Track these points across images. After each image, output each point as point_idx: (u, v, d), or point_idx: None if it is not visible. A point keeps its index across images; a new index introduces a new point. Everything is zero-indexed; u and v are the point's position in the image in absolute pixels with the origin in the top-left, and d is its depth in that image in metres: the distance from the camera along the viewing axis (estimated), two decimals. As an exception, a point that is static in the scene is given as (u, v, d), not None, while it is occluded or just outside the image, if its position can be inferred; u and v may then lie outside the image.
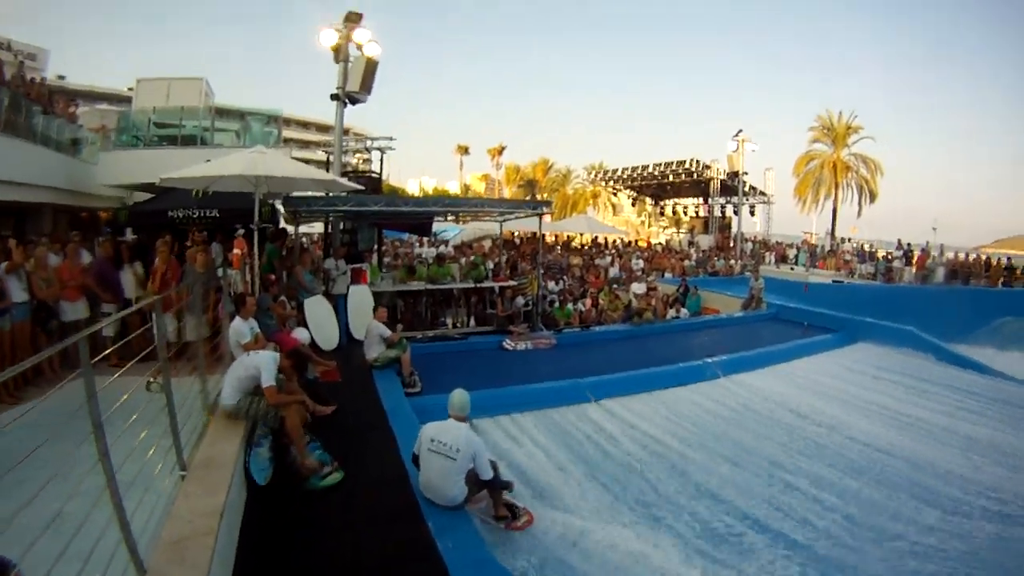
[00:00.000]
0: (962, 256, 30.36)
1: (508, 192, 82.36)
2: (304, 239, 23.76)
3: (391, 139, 20.91)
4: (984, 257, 29.85)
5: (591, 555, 6.50)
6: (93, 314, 10.59)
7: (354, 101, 16.43)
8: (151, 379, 5.45)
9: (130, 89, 50.39)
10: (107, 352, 4.45)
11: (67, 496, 3.39)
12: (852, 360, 16.37)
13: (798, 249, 36.91)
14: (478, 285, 16.64)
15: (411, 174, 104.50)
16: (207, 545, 4.31)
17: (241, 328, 8.01)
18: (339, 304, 13.34)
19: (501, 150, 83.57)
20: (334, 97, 16.17)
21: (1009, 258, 29.73)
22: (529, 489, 8.07)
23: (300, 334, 10.06)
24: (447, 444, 6.18)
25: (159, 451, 5.20)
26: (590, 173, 59.69)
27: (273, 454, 6.63)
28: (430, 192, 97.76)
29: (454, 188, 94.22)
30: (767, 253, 37.25)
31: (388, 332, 11.31)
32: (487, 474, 6.31)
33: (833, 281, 28.27)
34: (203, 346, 7.25)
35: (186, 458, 5.58)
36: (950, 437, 11.26)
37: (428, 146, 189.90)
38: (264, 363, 6.75)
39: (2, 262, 9.39)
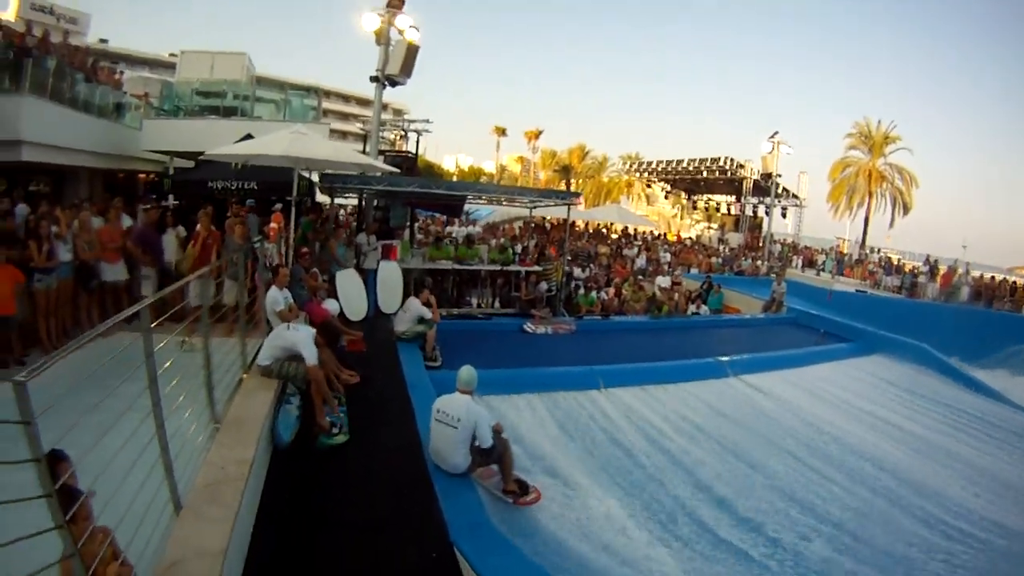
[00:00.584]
0: (988, 277, 29.92)
1: (543, 176, 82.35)
2: (340, 211, 24.26)
3: (428, 121, 21.35)
4: (1012, 280, 29.42)
5: (586, 533, 6.98)
6: (132, 276, 11.22)
7: (394, 83, 16.77)
8: (185, 339, 5.98)
9: (171, 55, 51.27)
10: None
11: (117, 440, 3.83)
12: (864, 371, 16.48)
13: (826, 255, 36.87)
14: (504, 268, 17.01)
15: (448, 150, 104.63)
16: (237, 489, 4.84)
17: (276, 296, 8.51)
18: (369, 278, 13.71)
19: (538, 134, 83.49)
20: (374, 79, 16.54)
21: None
22: (537, 468, 8.45)
23: (330, 305, 10.56)
24: (450, 415, 6.76)
25: (196, 405, 5.75)
26: (625, 163, 59.84)
27: (300, 412, 7.19)
28: (466, 170, 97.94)
29: (490, 168, 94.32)
30: (795, 257, 37.25)
31: (429, 313, 11.80)
32: (487, 442, 6.78)
33: (857, 291, 28.29)
34: (242, 310, 7.78)
35: (219, 412, 6.14)
36: (951, 460, 11.44)
37: (467, 124, 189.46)
38: (305, 343, 7.30)
39: (48, 224, 9.99)
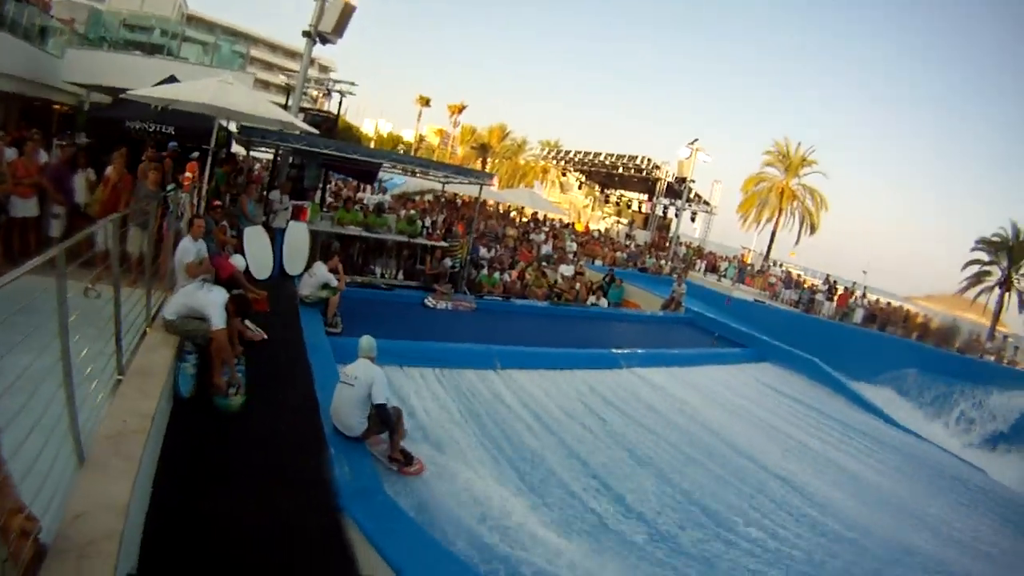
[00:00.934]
0: (884, 302, 31.31)
1: (461, 151, 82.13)
2: (255, 164, 23.99)
3: (353, 84, 21.40)
4: (905, 308, 30.74)
5: (470, 505, 7.30)
6: (42, 213, 10.99)
7: (324, 41, 16.77)
8: (89, 285, 6.02)
9: (104, -19, 49.19)
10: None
11: (21, 387, 3.89)
12: (753, 377, 17.27)
13: (729, 262, 37.84)
14: (411, 240, 17.13)
15: (370, 114, 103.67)
16: (139, 442, 4.92)
17: (188, 247, 8.47)
18: (277, 237, 13.68)
19: (461, 108, 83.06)
20: (306, 34, 16.47)
21: (927, 315, 30.50)
22: (426, 442, 8.76)
23: (237, 261, 10.55)
24: (349, 375, 7.18)
25: (99, 355, 5.80)
26: (544, 149, 60.25)
27: (197, 370, 7.20)
28: (384, 136, 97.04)
29: (409, 136, 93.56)
30: (699, 260, 38.15)
31: (334, 280, 11.92)
32: (379, 399, 7.06)
33: (755, 300, 29.13)
34: (148, 260, 7.76)
35: (124, 364, 6.16)
36: (827, 466, 12.26)
37: (391, 90, 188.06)
38: (214, 306, 7.28)
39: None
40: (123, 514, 4.09)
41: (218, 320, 7.20)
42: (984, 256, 36.26)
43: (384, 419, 7.20)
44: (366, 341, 7.59)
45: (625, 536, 8.03)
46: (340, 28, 16.56)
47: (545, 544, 7.02)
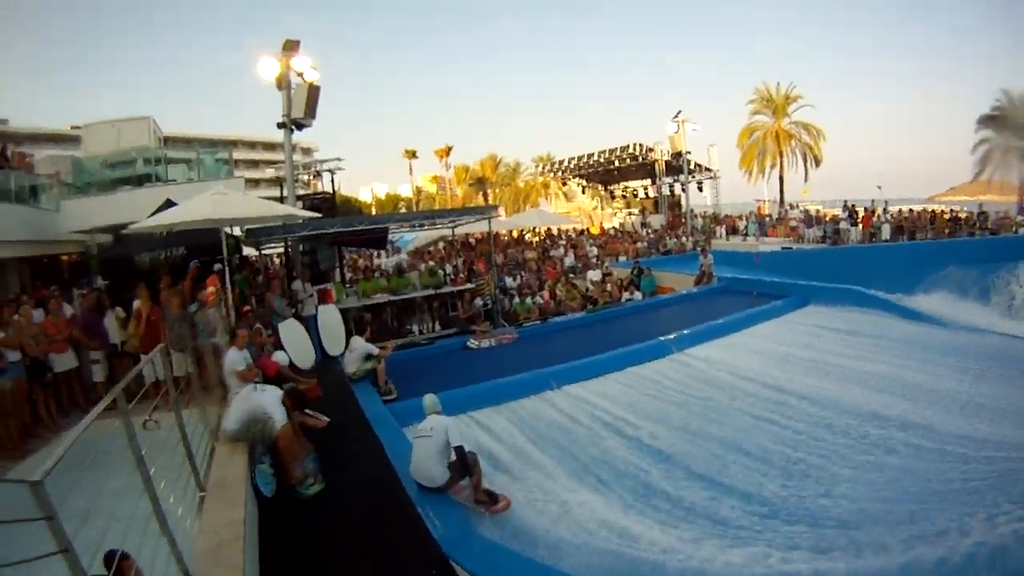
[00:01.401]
0: (907, 210, 30.78)
1: (460, 191, 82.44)
2: (268, 260, 24.30)
3: (339, 159, 21.56)
4: (929, 210, 30.22)
5: (557, 521, 7.46)
6: (81, 362, 11.32)
7: (300, 126, 17.09)
8: (147, 418, 6.23)
9: (74, 128, 50.22)
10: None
11: (114, 523, 4.05)
12: (801, 323, 17.17)
13: (747, 220, 37.56)
14: (438, 291, 17.34)
15: (363, 181, 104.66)
16: (238, 549, 5.09)
17: (236, 357, 8.73)
18: (310, 324, 13.95)
19: (448, 150, 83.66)
20: (280, 125, 16.81)
21: (953, 209, 30.04)
22: (506, 475, 8.88)
23: (279, 357, 10.82)
24: (423, 428, 7.46)
25: (176, 480, 6.00)
26: (538, 165, 60.40)
27: (274, 469, 7.42)
28: (383, 198, 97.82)
29: (406, 192, 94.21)
30: (717, 227, 37.79)
31: (376, 349, 12.14)
32: (456, 441, 7.25)
33: (782, 248, 28.74)
34: (196, 380, 7.99)
35: (202, 480, 6.37)
36: (905, 388, 11.88)
37: (377, 153, 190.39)
38: (272, 405, 7.55)
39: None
40: (240, 615, 4.22)
41: (280, 416, 7.41)
42: (990, 133, 35.85)
43: (463, 462, 7.31)
44: (429, 399, 7.88)
45: (728, 517, 7.97)
46: (311, 109, 16.88)
47: (651, 540, 7.07)
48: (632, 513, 7.85)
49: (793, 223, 34.13)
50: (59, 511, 2.91)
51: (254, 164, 65.05)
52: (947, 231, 26.94)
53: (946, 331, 15.57)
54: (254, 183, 41.14)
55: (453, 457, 7.24)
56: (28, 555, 2.89)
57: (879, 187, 36.52)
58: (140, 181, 22.23)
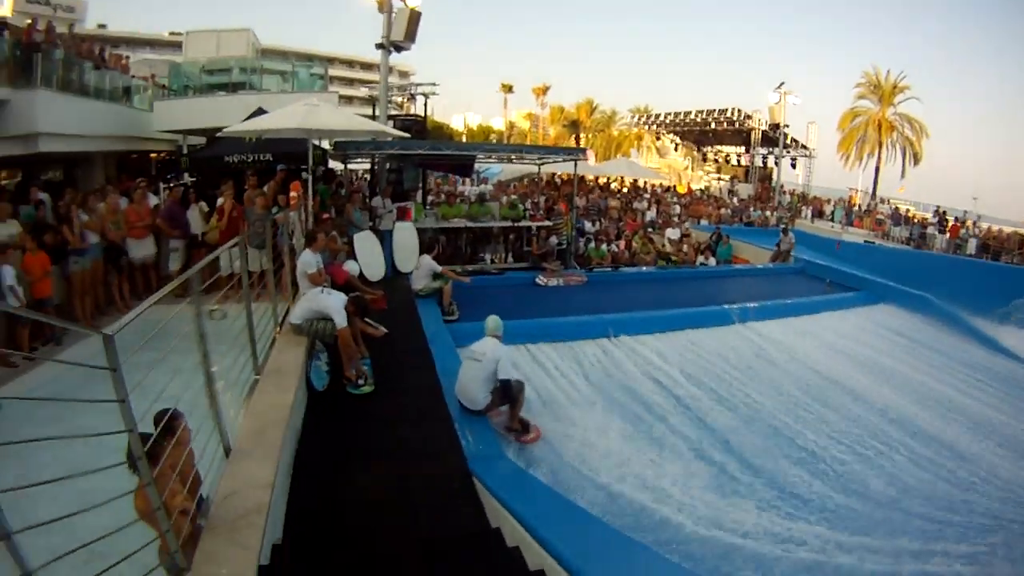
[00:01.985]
0: (997, 230, 29.84)
1: (552, 131, 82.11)
2: (353, 176, 24.74)
3: (435, 84, 21.87)
4: (1020, 234, 28.97)
5: (586, 461, 7.68)
6: (160, 249, 11.88)
7: (399, 49, 17.25)
8: (214, 308, 6.59)
9: (172, 34, 51.30)
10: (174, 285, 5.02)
11: (172, 394, 4.35)
12: (870, 321, 16.75)
13: (835, 205, 36.83)
14: (515, 224, 17.47)
15: (457, 110, 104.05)
16: (280, 431, 5.45)
17: (309, 259, 9.02)
18: (385, 239, 14.26)
19: (546, 89, 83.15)
20: (379, 46, 17.00)
21: None
22: (546, 409, 9.17)
23: (350, 266, 11.17)
24: (476, 351, 7.59)
25: (235, 363, 6.36)
26: (634, 116, 59.95)
27: (329, 366, 7.86)
28: (474, 128, 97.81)
29: (499, 125, 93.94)
30: (804, 207, 37.26)
31: (439, 268, 12.41)
32: (504, 374, 7.45)
33: (865, 242, 28.27)
34: (270, 275, 8.35)
35: (259, 365, 6.77)
36: (952, 410, 11.64)
37: (474, 82, 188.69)
38: (336, 309, 7.88)
39: (77, 209, 10.56)
40: (268, 490, 4.57)
41: (341, 320, 7.74)
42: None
43: (507, 393, 7.58)
44: (492, 321, 8.02)
45: (748, 485, 8.18)
46: (411, 34, 16.98)
47: (669, 496, 7.25)
48: (654, 467, 7.98)
49: (880, 218, 33.44)
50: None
51: (349, 82, 65.68)
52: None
53: (1013, 363, 15.04)
54: (348, 100, 41.66)
55: (498, 384, 7.48)
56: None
57: (975, 199, 35.40)
58: (235, 88, 22.75)
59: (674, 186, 42.04)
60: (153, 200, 12.57)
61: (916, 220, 32.90)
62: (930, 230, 30.00)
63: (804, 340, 14.18)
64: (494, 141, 75.57)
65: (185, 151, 20.26)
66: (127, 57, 24.38)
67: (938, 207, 32.77)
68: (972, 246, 27.51)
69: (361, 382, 7.75)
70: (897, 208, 36.23)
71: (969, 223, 30.02)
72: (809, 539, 6.94)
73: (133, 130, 20.69)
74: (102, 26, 59.18)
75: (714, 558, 6.30)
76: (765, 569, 6.29)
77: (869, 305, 17.91)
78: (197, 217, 12.30)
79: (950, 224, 30.02)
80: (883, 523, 7.74)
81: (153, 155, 23.67)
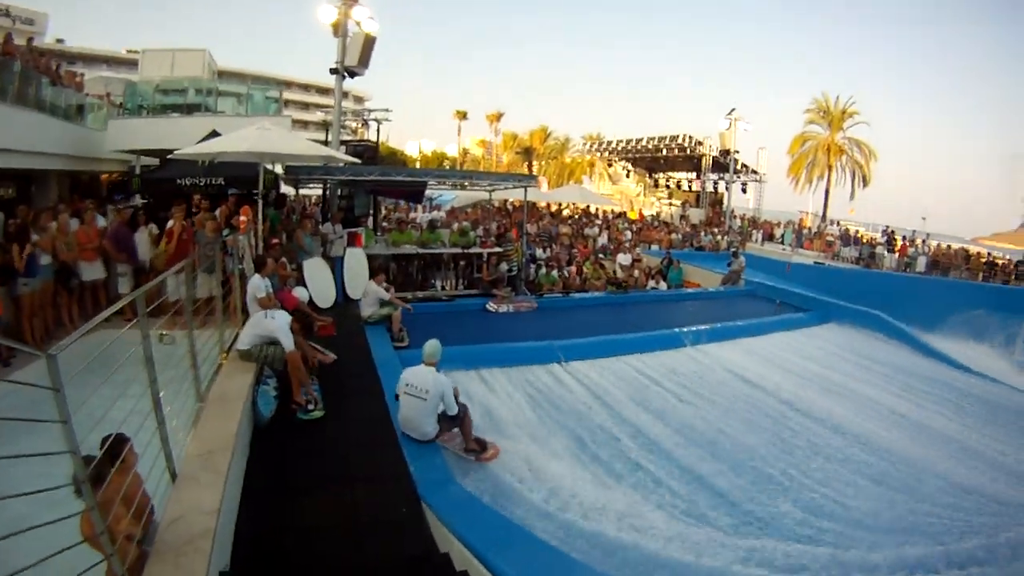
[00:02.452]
0: (945, 247, 30.54)
1: (505, 158, 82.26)
2: (305, 201, 24.69)
3: (388, 110, 21.88)
4: (966, 250, 29.94)
5: (536, 487, 7.65)
6: (109, 273, 11.74)
7: (352, 75, 17.24)
8: (163, 332, 6.57)
9: (129, 51, 50.90)
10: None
11: (117, 418, 4.35)
12: (819, 339, 17.07)
13: (784, 228, 37.39)
14: (466, 251, 17.51)
15: (412, 136, 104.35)
16: (226, 457, 5.43)
17: (259, 284, 9.07)
18: (336, 265, 14.25)
19: (499, 116, 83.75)
20: (333, 71, 17.00)
21: (990, 252, 29.81)
22: (499, 435, 9.04)
23: (300, 292, 11.11)
24: (417, 387, 7.39)
25: (181, 389, 6.34)
26: (587, 142, 60.43)
27: (278, 391, 7.84)
28: (428, 155, 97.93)
29: (453, 152, 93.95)
30: (755, 231, 37.64)
31: (386, 295, 12.42)
32: (453, 410, 7.50)
33: (815, 263, 28.51)
34: (218, 301, 8.32)
35: (203, 392, 6.73)
36: (903, 421, 11.93)
37: (428, 110, 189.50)
38: (282, 330, 7.94)
39: (32, 230, 10.42)
40: (215, 516, 4.57)
41: (288, 343, 7.78)
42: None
43: (454, 418, 7.62)
44: (430, 346, 7.80)
45: (701, 507, 8.20)
46: (365, 59, 17.02)
47: (620, 519, 7.26)
48: (604, 491, 7.98)
49: (830, 239, 33.97)
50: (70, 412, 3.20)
51: (305, 107, 65.68)
52: (981, 274, 26.67)
53: (960, 373, 15.41)
54: (303, 124, 41.68)
55: (441, 409, 7.49)
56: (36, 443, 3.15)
57: (923, 218, 36.26)
58: (190, 110, 22.73)
59: (625, 212, 42.38)
60: (101, 222, 12.40)
61: (865, 240, 33.53)
62: (879, 249, 30.48)
63: (755, 360, 14.40)
64: (448, 167, 75.72)
65: (138, 172, 20.08)
66: (82, 74, 24.18)
67: (887, 227, 33.36)
68: (922, 263, 28.11)
69: (311, 407, 7.76)
70: (847, 229, 36.80)
71: (919, 241, 30.61)
72: (765, 557, 7.00)
73: (86, 149, 20.36)
74: (60, 40, 58.52)
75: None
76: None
77: (818, 324, 18.33)
78: (145, 240, 12.15)
79: (898, 243, 30.66)
80: (844, 535, 7.86)
81: (104, 176, 23.40)
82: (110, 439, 3.96)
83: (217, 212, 12.95)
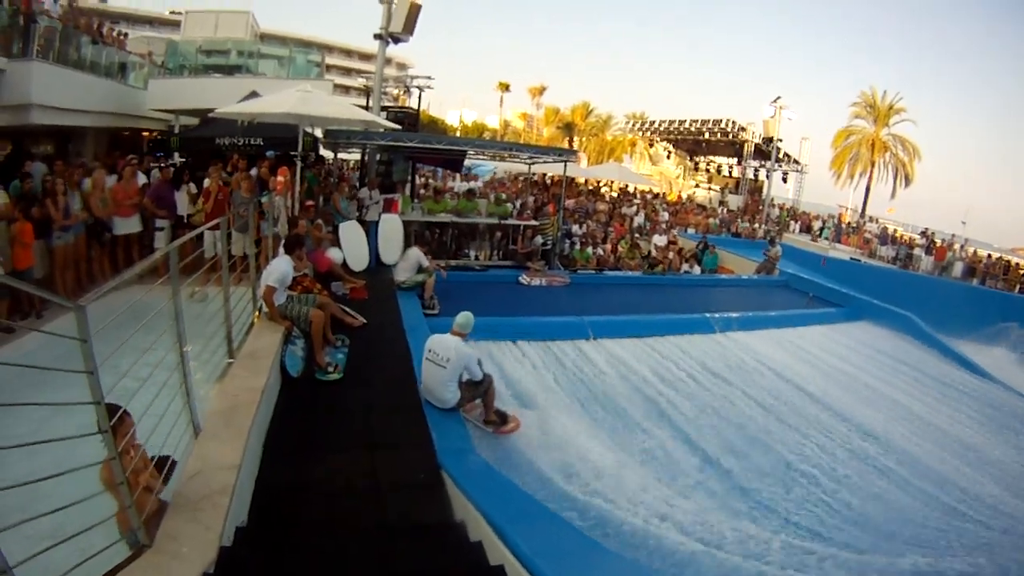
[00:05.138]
0: (984, 255, 30.01)
1: (546, 132, 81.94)
2: (343, 165, 24.75)
3: (430, 78, 21.85)
4: (1005, 260, 29.46)
5: (556, 460, 7.67)
6: (146, 228, 11.87)
7: (396, 41, 17.19)
8: (195, 289, 6.63)
9: (172, 12, 51.10)
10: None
11: (144, 373, 4.41)
12: (850, 337, 16.80)
13: (824, 222, 37.05)
14: (502, 221, 17.53)
15: (453, 106, 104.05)
16: (249, 413, 5.49)
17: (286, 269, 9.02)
18: (371, 230, 14.28)
19: (542, 90, 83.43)
20: (377, 36, 16.97)
21: None
22: (523, 407, 9.11)
23: (334, 254, 11.23)
24: (440, 355, 7.35)
25: (210, 345, 6.41)
26: (628, 122, 59.91)
27: (305, 353, 7.87)
28: (469, 125, 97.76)
29: (494, 123, 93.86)
30: (793, 221, 37.41)
31: (427, 261, 12.40)
32: (478, 375, 7.53)
33: (851, 259, 28.44)
34: (252, 260, 8.37)
35: (234, 348, 6.81)
36: (926, 428, 11.86)
37: (472, 79, 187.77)
38: (271, 268, 8.05)
39: (63, 183, 10.48)
40: (234, 472, 4.61)
41: (265, 276, 8.04)
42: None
43: (477, 387, 7.64)
44: (463, 317, 7.76)
45: (720, 493, 8.28)
46: (410, 26, 16.94)
47: (638, 501, 7.24)
48: (625, 470, 7.97)
49: (868, 236, 33.62)
50: (99, 364, 3.24)
51: (347, 72, 65.55)
52: (1018, 286, 26.27)
53: (990, 385, 15.19)
54: (344, 90, 41.61)
55: (466, 378, 7.51)
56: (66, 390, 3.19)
57: (963, 223, 35.54)
58: (231, 71, 22.92)
59: (663, 193, 42.10)
60: (142, 179, 12.50)
61: (903, 240, 33.04)
62: (917, 251, 30.07)
63: (783, 352, 14.27)
64: (487, 138, 75.45)
65: (177, 131, 20.22)
66: (125, 34, 24.31)
67: (926, 229, 32.85)
68: (958, 269, 27.62)
69: (331, 370, 7.81)
70: (885, 228, 36.28)
71: (956, 246, 30.03)
72: (777, 549, 6.96)
73: (126, 107, 20.61)
74: (103, 1, 58.88)
75: (680, 564, 6.28)
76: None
77: (851, 321, 18.02)
78: (185, 199, 12.26)
79: (937, 246, 30.12)
80: (851, 535, 7.84)
81: (146, 133, 23.61)
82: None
83: (254, 172, 13.01)
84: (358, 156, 21.10)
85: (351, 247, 13.20)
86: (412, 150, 16.58)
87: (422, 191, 22.33)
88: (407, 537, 5.08)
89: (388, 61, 18.36)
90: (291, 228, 9.68)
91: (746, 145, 41.19)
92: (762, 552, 6.87)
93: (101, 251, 11.34)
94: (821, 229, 35.67)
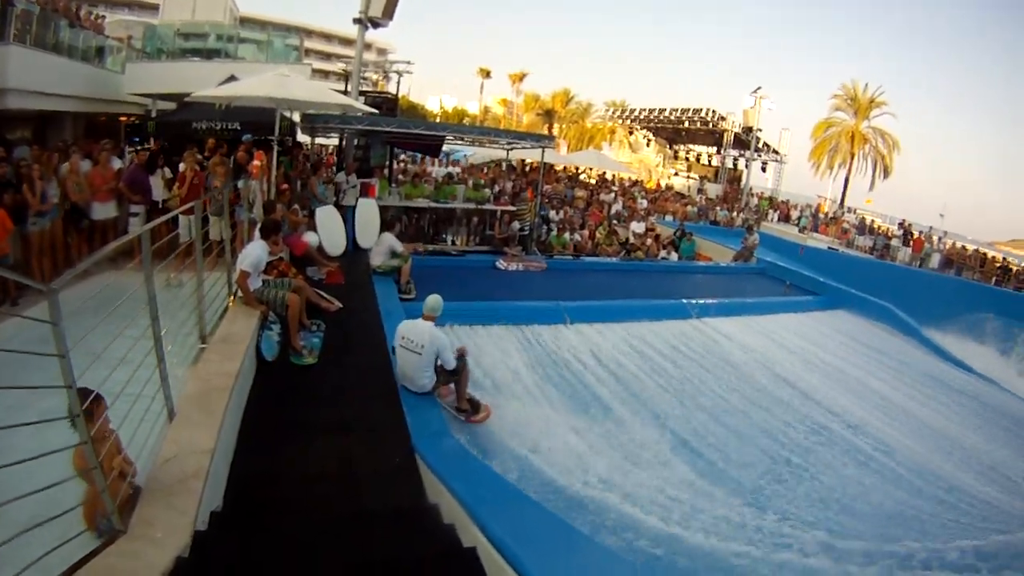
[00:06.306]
0: (960, 247, 30.33)
1: (526, 119, 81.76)
2: (321, 150, 24.67)
3: (409, 63, 21.72)
4: (982, 252, 29.74)
5: (530, 445, 7.76)
6: (120, 213, 11.80)
7: (376, 25, 17.15)
8: (171, 275, 6.62)
9: (151, -5, 50.39)
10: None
11: (118, 356, 4.41)
12: (826, 325, 16.95)
13: (801, 212, 37.26)
14: (479, 207, 17.59)
15: (433, 91, 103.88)
16: (223, 398, 5.48)
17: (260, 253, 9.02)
18: (348, 215, 14.25)
19: (522, 76, 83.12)
20: (356, 21, 16.91)
21: (1005, 257, 29.51)
22: (498, 392, 9.19)
23: (310, 237, 11.19)
24: (414, 341, 7.37)
25: (184, 329, 6.40)
26: (609, 109, 59.91)
27: (281, 337, 7.86)
28: (449, 111, 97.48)
29: (474, 109, 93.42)
30: (771, 211, 37.54)
31: (400, 246, 12.43)
32: (450, 364, 7.50)
33: (829, 248, 28.49)
34: (227, 244, 8.34)
35: (207, 333, 6.79)
36: (895, 412, 12.03)
37: (453, 65, 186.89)
38: (245, 252, 8.00)
39: (39, 168, 10.38)
40: (208, 456, 4.62)
41: (240, 260, 7.97)
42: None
43: (452, 372, 7.63)
44: (432, 300, 7.77)
45: (684, 473, 8.31)
46: (389, 11, 16.91)
47: (612, 484, 7.34)
48: (600, 455, 8.10)
49: (846, 226, 33.84)
50: (71, 349, 3.23)
51: (327, 56, 65.05)
52: (994, 278, 26.55)
53: (964, 374, 15.45)
54: (323, 74, 41.37)
55: (439, 363, 7.52)
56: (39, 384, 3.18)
57: (941, 215, 35.81)
58: (209, 55, 22.85)
59: (642, 181, 42.16)
60: (117, 164, 12.43)
61: (881, 231, 33.31)
62: (894, 242, 30.31)
63: (760, 338, 14.38)
64: (467, 124, 75.25)
65: (154, 115, 20.10)
66: (103, 17, 24.11)
67: (903, 220, 33.15)
68: (935, 260, 27.95)
69: (305, 353, 7.83)
70: (863, 218, 36.61)
71: (934, 238, 30.40)
72: (752, 530, 7.16)
73: (104, 92, 20.51)
74: (82, -16, 58.28)
75: (655, 544, 6.42)
76: (709, 562, 6.43)
77: (828, 310, 18.18)
78: (160, 183, 12.20)
79: (915, 237, 30.41)
80: (823, 519, 7.91)
81: (123, 118, 23.43)
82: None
83: (232, 158, 12.97)
84: (336, 142, 21.05)
85: (328, 232, 13.14)
86: (390, 135, 16.52)
87: (400, 176, 22.30)
88: (381, 520, 5.11)
89: (368, 46, 18.37)
90: (267, 213, 9.63)
91: (726, 134, 41.22)
92: (735, 534, 7.01)
93: (79, 237, 11.25)
94: (799, 218, 35.83)
